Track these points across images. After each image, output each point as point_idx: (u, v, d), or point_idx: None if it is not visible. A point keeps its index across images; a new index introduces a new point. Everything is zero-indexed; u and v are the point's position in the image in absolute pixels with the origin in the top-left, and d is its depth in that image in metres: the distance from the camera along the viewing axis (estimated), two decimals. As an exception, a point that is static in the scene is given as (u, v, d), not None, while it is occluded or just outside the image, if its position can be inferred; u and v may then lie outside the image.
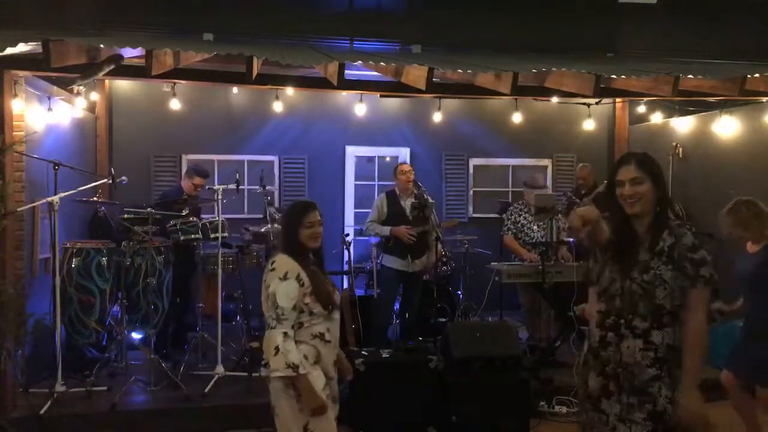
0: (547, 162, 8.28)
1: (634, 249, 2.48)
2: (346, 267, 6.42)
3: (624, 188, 2.49)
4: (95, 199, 5.22)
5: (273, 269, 2.98)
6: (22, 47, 4.08)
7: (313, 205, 3.21)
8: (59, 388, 4.55)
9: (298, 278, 2.95)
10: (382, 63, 4.76)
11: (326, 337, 3.00)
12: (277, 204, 7.45)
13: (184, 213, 5.63)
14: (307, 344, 2.94)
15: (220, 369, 5.03)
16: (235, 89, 7.27)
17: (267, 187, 6.07)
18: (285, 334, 2.85)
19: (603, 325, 2.54)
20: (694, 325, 2.41)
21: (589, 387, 2.58)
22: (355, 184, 7.93)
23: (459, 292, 7.00)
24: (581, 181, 7.29)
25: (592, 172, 7.34)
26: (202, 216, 5.71)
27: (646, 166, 2.50)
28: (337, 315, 3.11)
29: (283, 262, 3.00)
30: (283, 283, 2.92)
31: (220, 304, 5.23)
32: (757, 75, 4.85)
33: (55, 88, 5.52)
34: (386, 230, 5.72)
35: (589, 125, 7.27)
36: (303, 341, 2.94)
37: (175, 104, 6.24)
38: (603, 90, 5.32)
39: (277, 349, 2.82)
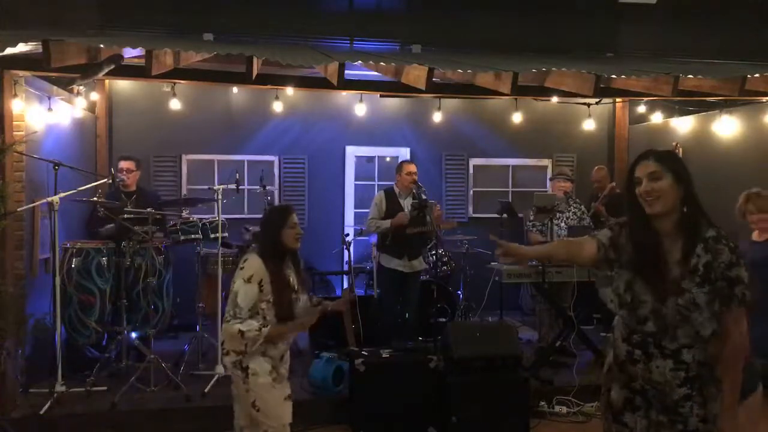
0: (547, 162, 8.28)
1: (662, 264, 2.27)
2: (346, 267, 6.42)
3: (641, 185, 2.29)
4: (95, 199, 5.21)
5: (242, 268, 3.18)
6: (22, 47, 4.08)
7: (292, 208, 3.40)
8: (59, 388, 4.55)
9: (260, 284, 3.13)
10: (382, 63, 4.76)
11: (275, 340, 3.22)
12: (276, 204, 7.45)
13: (184, 213, 5.63)
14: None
15: (220, 369, 5.03)
16: (235, 89, 7.27)
17: (267, 187, 6.07)
18: (239, 322, 3.10)
19: (629, 341, 2.37)
20: (733, 347, 2.24)
21: (611, 397, 2.45)
22: (355, 184, 7.93)
23: (459, 292, 7.00)
24: (597, 184, 7.27)
25: (607, 175, 7.33)
26: (202, 216, 5.69)
27: (667, 161, 2.30)
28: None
29: (252, 264, 3.17)
30: (247, 285, 3.12)
31: (220, 304, 5.23)
32: (757, 75, 4.84)
33: (55, 88, 5.51)
34: (387, 223, 5.73)
35: (589, 125, 7.27)
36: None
37: (175, 104, 6.24)
38: (603, 90, 5.33)
39: (240, 332, 3.07)
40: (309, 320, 3.33)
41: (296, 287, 3.30)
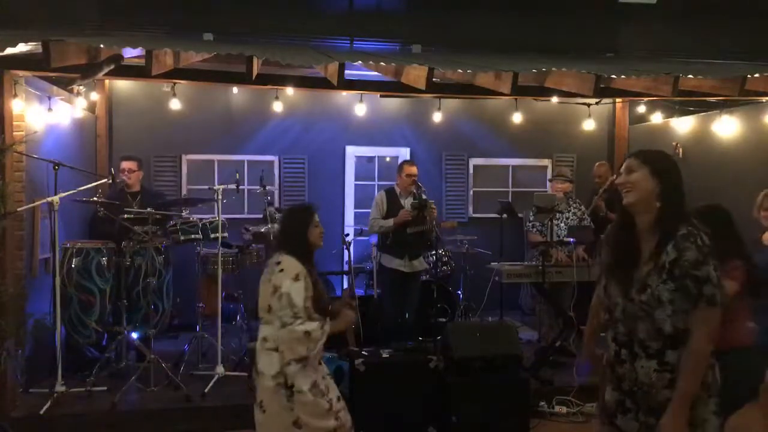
0: (547, 162, 8.28)
1: (632, 262, 2.32)
2: (346, 267, 6.42)
3: (620, 177, 2.39)
4: (95, 199, 5.22)
5: (282, 270, 3.12)
6: (22, 47, 4.09)
7: (316, 206, 3.41)
8: (59, 388, 4.56)
9: (305, 280, 3.11)
10: (382, 63, 4.76)
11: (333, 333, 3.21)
12: (277, 204, 7.44)
13: (184, 213, 5.63)
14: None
15: (220, 369, 5.03)
16: (235, 89, 7.26)
17: (267, 187, 6.06)
18: (300, 323, 3.07)
19: (616, 340, 2.40)
20: (693, 348, 2.19)
21: (605, 399, 2.46)
22: (355, 184, 7.92)
23: (459, 292, 7.00)
24: (598, 179, 7.28)
25: (609, 170, 7.31)
26: (202, 216, 5.69)
27: (646, 155, 2.36)
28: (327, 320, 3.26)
29: (291, 263, 3.13)
30: (296, 283, 3.08)
31: (220, 304, 5.23)
32: (757, 75, 4.84)
33: (55, 88, 5.51)
34: (390, 222, 5.73)
35: (589, 125, 7.27)
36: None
37: (175, 104, 6.24)
38: (603, 90, 5.32)
39: (307, 333, 3.05)
40: (351, 315, 3.31)
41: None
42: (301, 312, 3.04)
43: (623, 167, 2.40)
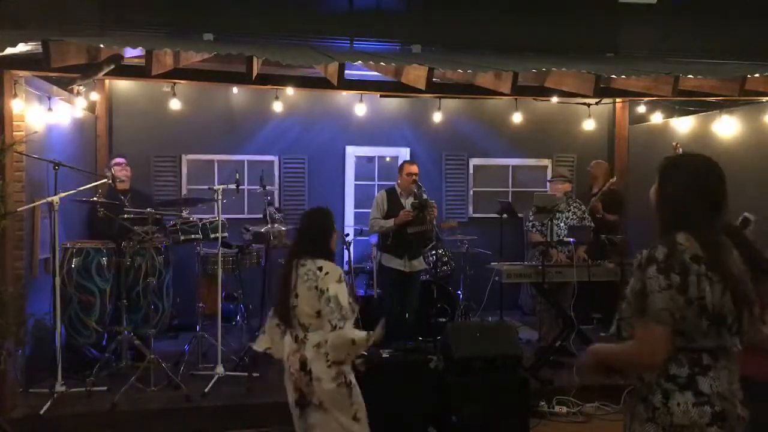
0: (547, 162, 8.27)
1: None
2: (346, 267, 6.42)
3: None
4: (95, 199, 5.22)
5: (327, 273, 3.19)
6: (22, 47, 4.09)
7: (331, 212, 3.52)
8: (59, 388, 4.56)
9: (345, 281, 3.21)
10: (382, 63, 4.76)
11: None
12: (276, 204, 7.44)
13: (184, 213, 5.63)
14: None
15: (220, 369, 5.03)
16: (235, 89, 7.26)
17: (267, 187, 6.06)
18: (351, 330, 3.13)
19: None
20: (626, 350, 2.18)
21: None
22: (355, 184, 7.92)
23: (459, 292, 7.00)
24: (593, 179, 7.29)
25: (606, 170, 7.31)
26: (202, 216, 5.69)
27: (658, 169, 2.25)
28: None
29: (332, 266, 3.23)
30: (341, 285, 3.17)
31: (220, 304, 5.23)
32: (757, 75, 4.84)
33: (55, 88, 5.51)
34: (390, 222, 5.73)
35: (589, 125, 7.27)
36: None
37: (175, 104, 6.24)
38: (603, 90, 5.33)
39: (353, 340, 3.09)
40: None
41: None
42: (348, 312, 3.11)
43: None
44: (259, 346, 3.55)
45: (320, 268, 3.19)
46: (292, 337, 3.29)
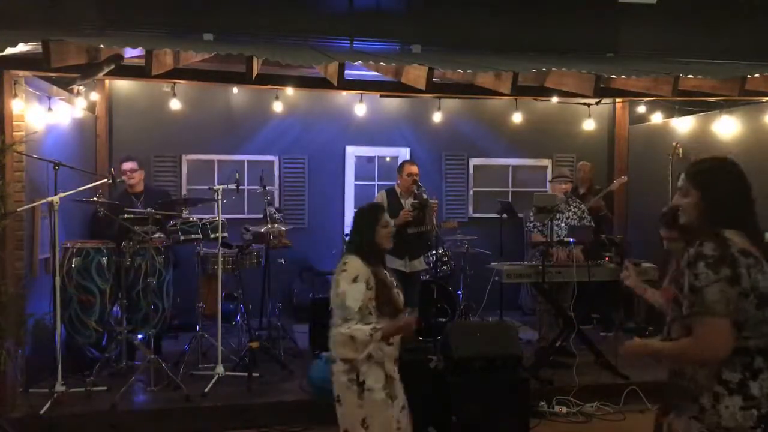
0: (547, 162, 8.28)
1: None
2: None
3: (675, 198, 2.35)
4: (95, 199, 5.22)
5: (345, 270, 3.13)
6: (22, 47, 4.09)
7: (384, 206, 3.48)
8: (59, 388, 4.56)
9: (367, 282, 3.10)
10: (382, 63, 4.76)
11: (390, 339, 3.14)
12: (277, 204, 7.45)
13: (184, 213, 5.63)
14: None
15: (220, 369, 5.03)
16: (235, 89, 7.26)
17: (267, 187, 6.06)
18: (348, 327, 3.03)
19: None
20: (684, 346, 2.17)
21: None
22: (355, 184, 7.93)
23: (459, 292, 7.00)
24: (582, 177, 7.32)
25: (592, 169, 7.39)
26: (202, 216, 5.69)
27: (697, 179, 2.28)
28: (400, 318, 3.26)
29: (354, 264, 3.14)
30: (354, 285, 3.08)
31: (220, 304, 5.23)
32: (757, 75, 4.85)
33: (55, 88, 5.51)
34: (391, 223, 5.71)
35: (589, 125, 7.27)
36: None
37: (175, 104, 6.23)
38: (603, 90, 5.32)
39: (352, 338, 3.01)
40: (410, 320, 3.21)
41: (395, 283, 3.31)
42: (353, 314, 3.03)
43: (679, 184, 2.34)
44: None
45: (344, 264, 3.17)
46: None
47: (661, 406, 2.42)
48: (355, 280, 3.09)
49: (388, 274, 3.30)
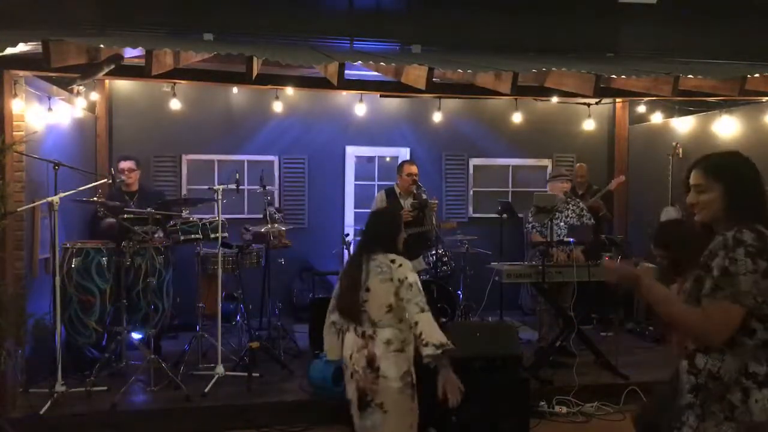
0: (547, 162, 8.28)
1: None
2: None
3: (690, 196, 2.28)
4: (95, 199, 5.22)
5: (401, 265, 3.21)
6: (22, 47, 4.08)
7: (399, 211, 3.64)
8: (59, 388, 4.56)
9: None
10: (382, 63, 4.76)
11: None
12: (277, 204, 7.45)
13: (184, 213, 5.63)
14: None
15: (220, 369, 5.03)
16: (235, 89, 7.26)
17: (267, 187, 6.06)
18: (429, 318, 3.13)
19: None
20: (691, 315, 2.13)
21: None
22: (355, 184, 7.93)
23: (459, 292, 7.00)
24: (580, 179, 7.35)
25: (588, 173, 7.43)
26: (202, 216, 5.69)
27: (717, 172, 2.23)
28: None
29: (403, 259, 3.26)
30: (415, 275, 3.20)
31: (220, 304, 5.23)
32: (757, 75, 4.85)
33: (55, 88, 5.51)
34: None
35: (589, 125, 7.28)
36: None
37: (175, 104, 6.23)
38: (603, 90, 5.32)
39: (439, 325, 3.12)
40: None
41: None
42: (426, 305, 3.14)
43: (691, 182, 2.28)
44: (333, 355, 3.48)
45: (393, 261, 3.21)
46: (357, 334, 3.23)
47: (644, 405, 2.39)
48: (414, 270, 3.21)
49: None
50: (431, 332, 3.07)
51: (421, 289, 3.15)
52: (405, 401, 3.13)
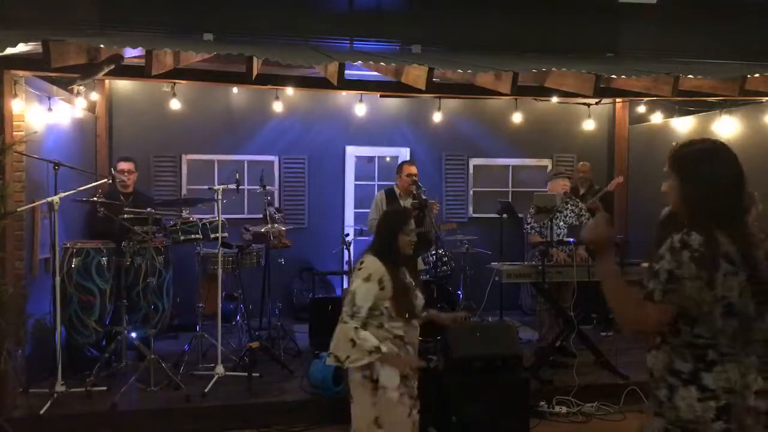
0: (547, 162, 8.28)
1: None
2: (346, 267, 6.42)
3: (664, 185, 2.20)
4: (95, 199, 5.22)
5: (360, 268, 3.16)
6: (22, 47, 4.09)
7: (411, 213, 3.54)
8: (59, 388, 4.56)
9: (380, 282, 3.11)
10: (382, 63, 4.76)
11: (405, 340, 3.18)
12: (277, 204, 7.45)
13: (184, 213, 5.63)
14: (391, 342, 3.13)
15: (220, 369, 5.03)
16: (235, 89, 7.26)
17: (267, 187, 6.06)
18: (356, 328, 3.04)
19: None
20: (629, 312, 2.10)
21: None
22: (355, 184, 7.93)
23: (459, 292, 7.00)
24: (582, 174, 7.33)
25: (591, 171, 7.42)
26: (202, 216, 5.69)
27: (676, 162, 2.16)
28: (416, 322, 3.29)
29: (370, 263, 3.17)
30: (366, 284, 3.10)
31: (220, 304, 5.23)
32: (757, 75, 4.85)
33: (55, 88, 5.52)
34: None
35: (589, 125, 7.27)
36: (387, 338, 3.12)
37: (175, 104, 6.23)
38: (603, 90, 5.33)
39: (353, 341, 3.01)
40: (408, 360, 3.23)
41: (414, 285, 3.32)
42: (362, 312, 3.05)
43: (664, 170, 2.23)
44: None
45: (362, 262, 3.20)
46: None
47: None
48: (367, 278, 3.11)
49: (408, 276, 3.30)
50: (336, 344, 3.08)
51: (357, 299, 3.05)
52: (365, 393, 3.10)
